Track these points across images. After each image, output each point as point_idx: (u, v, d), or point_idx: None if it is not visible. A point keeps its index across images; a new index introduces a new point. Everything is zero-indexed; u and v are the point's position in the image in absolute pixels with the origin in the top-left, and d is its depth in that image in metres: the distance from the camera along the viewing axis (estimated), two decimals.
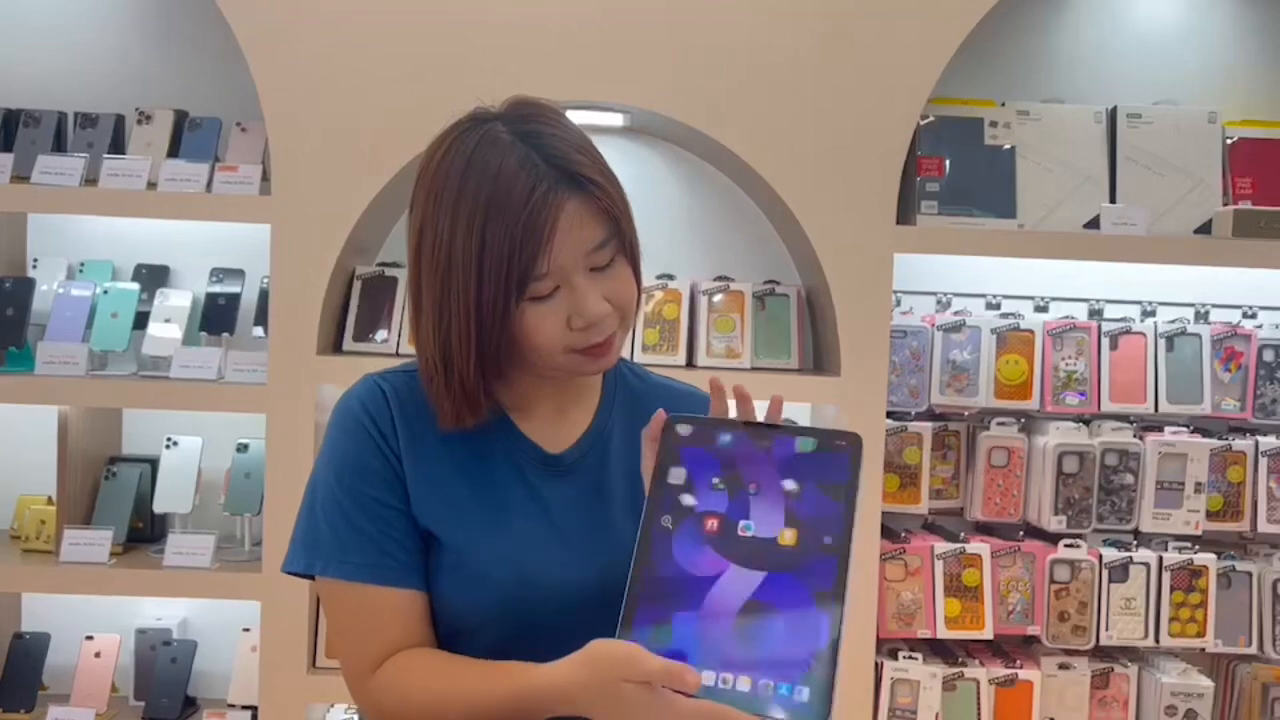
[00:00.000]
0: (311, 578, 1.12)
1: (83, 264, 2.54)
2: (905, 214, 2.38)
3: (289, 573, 1.13)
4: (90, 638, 2.44)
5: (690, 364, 2.43)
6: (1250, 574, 2.43)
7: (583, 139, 1.10)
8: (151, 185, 2.32)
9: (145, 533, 2.49)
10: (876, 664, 2.33)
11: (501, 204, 1.02)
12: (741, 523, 0.97)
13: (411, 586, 1.10)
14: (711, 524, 0.98)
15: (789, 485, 0.98)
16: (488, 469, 1.14)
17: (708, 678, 0.91)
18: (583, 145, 1.09)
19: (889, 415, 2.37)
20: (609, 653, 0.93)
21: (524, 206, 1.02)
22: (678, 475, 1.00)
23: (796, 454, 1.00)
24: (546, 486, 1.15)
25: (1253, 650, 2.43)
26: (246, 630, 2.42)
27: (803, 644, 0.91)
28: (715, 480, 1.00)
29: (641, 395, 1.23)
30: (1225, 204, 2.45)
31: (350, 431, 1.12)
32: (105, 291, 2.44)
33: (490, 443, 1.14)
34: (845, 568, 0.94)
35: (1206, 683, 2.38)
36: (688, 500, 0.99)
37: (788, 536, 0.96)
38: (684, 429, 1.03)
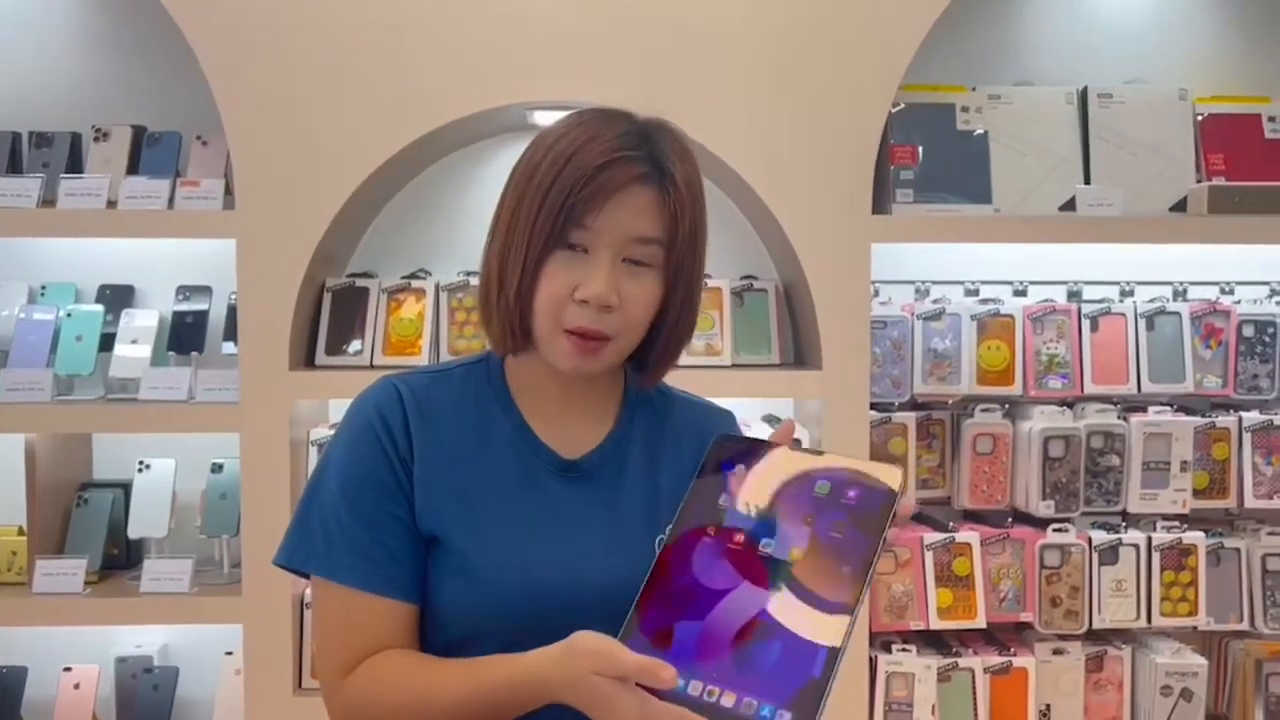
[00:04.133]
0: (303, 574, 1.13)
1: (44, 287, 2.48)
2: (880, 203, 2.36)
3: (277, 564, 1.14)
4: (69, 669, 2.39)
5: None
6: (1239, 550, 2.42)
7: (693, 167, 1.15)
8: (111, 204, 2.27)
9: (121, 559, 2.44)
10: (871, 658, 2.32)
11: (590, 148, 1.09)
12: (763, 541, 0.97)
13: (396, 596, 1.10)
14: (735, 540, 0.98)
15: (819, 511, 0.98)
16: (501, 472, 1.14)
17: (695, 687, 0.90)
18: (687, 162, 1.13)
19: (872, 407, 2.35)
20: (588, 646, 0.95)
21: (605, 157, 1.08)
22: (714, 490, 1.01)
23: (834, 483, 0.99)
24: (560, 492, 1.15)
25: (1244, 626, 2.43)
26: (229, 654, 2.38)
27: (795, 669, 0.90)
28: (749, 499, 1.00)
29: (661, 409, 1.24)
30: (1198, 181, 2.45)
31: (359, 434, 1.13)
32: (68, 314, 2.38)
33: (505, 447, 1.15)
34: (857, 605, 0.93)
35: (1200, 661, 2.38)
36: (718, 515, 1.00)
37: (806, 561, 0.96)
38: (728, 446, 1.04)
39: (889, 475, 0.98)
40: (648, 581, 0.98)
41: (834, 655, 0.90)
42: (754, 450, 1.03)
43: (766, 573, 0.95)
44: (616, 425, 1.20)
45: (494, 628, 1.09)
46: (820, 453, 1.03)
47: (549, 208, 1.08)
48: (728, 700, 0.90)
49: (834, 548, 0.95)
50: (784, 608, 0.93)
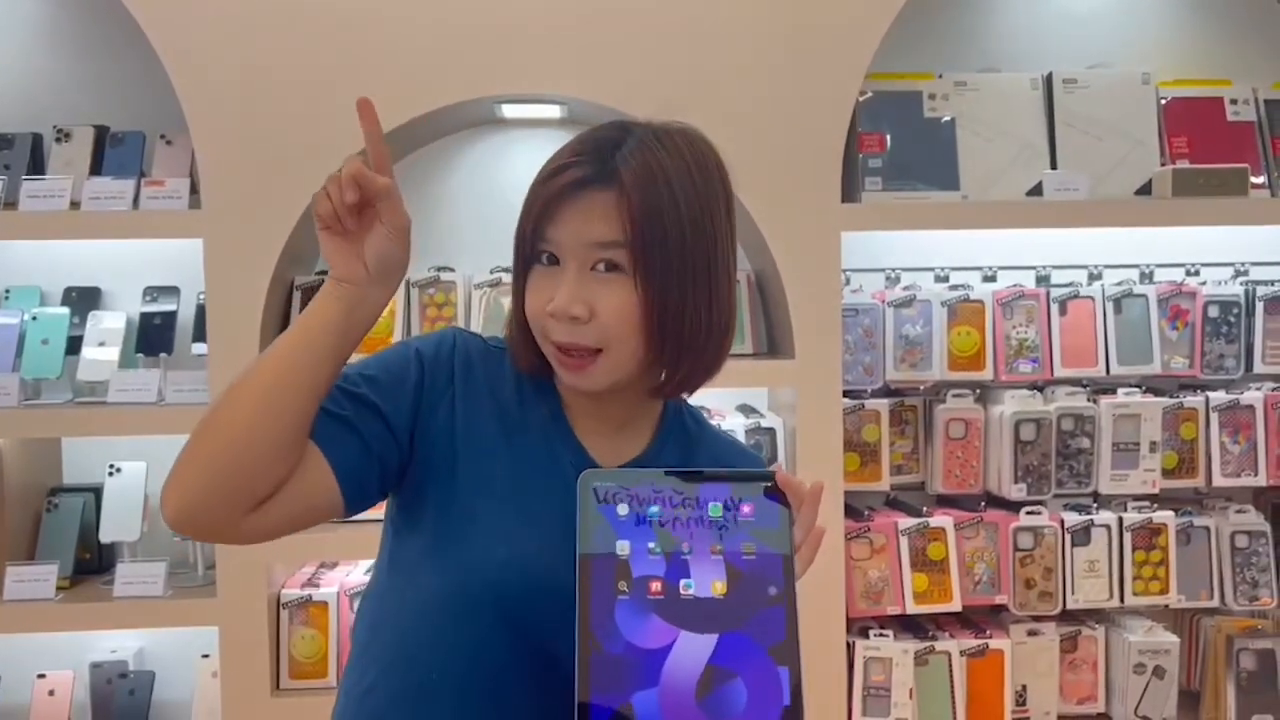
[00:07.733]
0: None
1: (7, 290, 2.45)
2: (850, 192, 2.37)
3: None
4: (43, 676, 2.37)
5: None
6: (1208, 528, 2.46)
7: (667, 163, 1.06)
8: (75, 205, 2.25)
9: (93, 564, 2.42)
10: (848, 644, 2.33)
11: (552, 161, 1.10)
12: (682, 583, 0.93)
13: (325, 450, 1.07)
14: (653, 589, 0.93)
15: (724, 538, 0.95)
16: (529, 456, 1.13)
17: None
18: (653, 159, 1.05)
19: (845, 394, 2.36)
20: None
21: (553, 171, 1.08)
22: (606, 540, 0.94)
23: (725, 502, 0.96)
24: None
25: (1215, 603, 2.46)
26: (205, 656, 2.36)
27: (766, 704, 0.90)
28: (648, 541, 0.94)
29: (696, 439, 1.23)
30: (1163, 164, 2.47)
31: (404, 352, 1.15)
32: (34, 318, 2.35)
33: (538, 432, 1.14)
34: (794, 617, 0.92)
35: (1172, 639, 2.41)
36: (623, 567, 0.94)
37: (732, 593, 0.93)
38: (603, 486, 0.96)
39: (770, 476, 0.98)
40: (580, 662, 0.90)
41: (796, 675, 0.90)
42: (632, 484, 0.96)
43: (698, 615, 0.92)
44: (652, 445, 1.18)
45: (479, 609, 1.07)
46: (698, 471, 0.98)
47: (522, 223, 1.10)
48: None
49: (752, 572, 0.94)
50: (730, 646, 0.91)
